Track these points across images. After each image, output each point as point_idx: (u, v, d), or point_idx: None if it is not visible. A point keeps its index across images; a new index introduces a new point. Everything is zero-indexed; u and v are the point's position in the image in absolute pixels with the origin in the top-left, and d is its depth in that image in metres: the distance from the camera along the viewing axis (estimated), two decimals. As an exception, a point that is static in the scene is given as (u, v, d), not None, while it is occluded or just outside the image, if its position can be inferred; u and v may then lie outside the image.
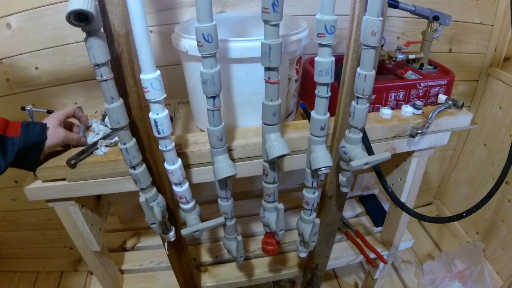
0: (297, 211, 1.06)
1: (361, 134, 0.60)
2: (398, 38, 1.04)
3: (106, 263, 0.81)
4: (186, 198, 0.63)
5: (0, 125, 0.52)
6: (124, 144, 0.53)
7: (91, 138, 0.66)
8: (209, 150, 0.59)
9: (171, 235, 0.69)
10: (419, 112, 0.71)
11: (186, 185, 0.62)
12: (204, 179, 0.67)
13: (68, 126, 0.65)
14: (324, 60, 0.50)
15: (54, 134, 0.58)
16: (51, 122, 0.59)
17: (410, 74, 0.80)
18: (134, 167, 0.56)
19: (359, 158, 0.57)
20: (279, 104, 0.54)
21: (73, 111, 0.64)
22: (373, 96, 0.72)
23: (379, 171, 0.73)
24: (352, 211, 1.12)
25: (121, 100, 0.49)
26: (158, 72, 0.48)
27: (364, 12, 0.48)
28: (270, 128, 0.57)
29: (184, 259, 0.80)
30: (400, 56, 0.80)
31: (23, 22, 0.82)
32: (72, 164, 0.59)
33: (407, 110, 0.71)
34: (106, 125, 0.69)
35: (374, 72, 0.53)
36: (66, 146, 0.63)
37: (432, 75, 0.78)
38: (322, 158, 0.58)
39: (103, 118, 0.72)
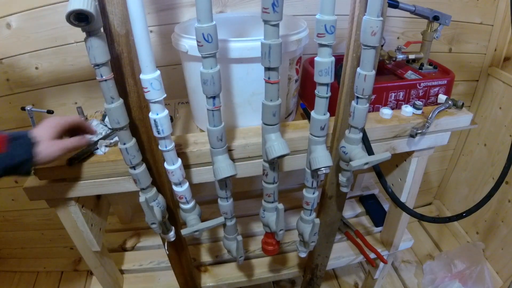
0: (297, 211, 1.06)
1: (361, 134, 0.60)
2: (398, 38, 1.04)
3: (106, 263, 0.81)
4: (186, 198, 0.63)
5: None
6: (124, 144, 0.53)
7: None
8: (209, 150, 0.59)
9: (171, 235, 0.69)
10: (419, 112, 0.71)
11: (186, 185, 0.62)
12: (204, 179, 0.67)
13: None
14: (324, 60, 0.50)
15: (47, 150, 0.50)
16: (46, 133, 0.51)
17: (410, 74, 0.80)
18: (134, 167, 0.56)
19: (359, 158, 0.57)
20: (279, 104, 0.54)
21: (78, 122, 0.56)
22: (373, 96, 0.72)
23: (379, 171, 0.73)
24: (352, 211, 1.12)
25: (121, 100, 0.49)
26: (158, 72, 0.48)
27: (364, 12, 0.48)
28: (270, 128, 0.57)
29: (184, 259, 0.80)
30: (400, 56, 0.80)
31: (23, 22, 0.82)
32: (72, 164, 0.59)
33: (407, 110, 0.71)
34: (106, 125, 0.69)
35: (374, 72, 0.53)
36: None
37: (432, 75, 0.78)
38: (322, 158, 0.58)
39: (103, 118, 0.72)
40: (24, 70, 0.89)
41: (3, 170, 0.47)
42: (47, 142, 0.50)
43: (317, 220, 0.67)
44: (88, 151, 0.61)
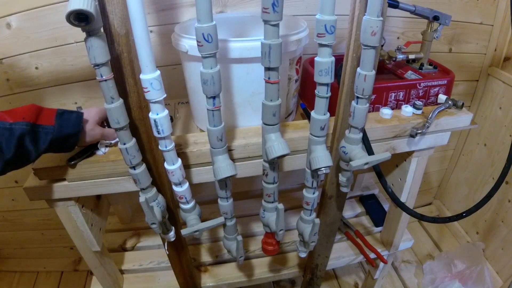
0: (297, 211, 1.06)
1: (361, 134, 0.60)
2: (398, 38, 1.04)
3: (106, 263, 0.81)
4: (186, 198, 0.63)
5: (31, 113, 0.48)
6: (124, 144, 0.53)
7: None
8: (209, 150, 0.59)
9: (171, 235, 0.69)
10: (419, 112, 0.71)
11: (186, 185, 0.62)
12: (204, 179, 0.67)
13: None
14: (324, 60, 0.50)
15: (92, 131, 0.55)
16: (92, 116, 0.56)
17: (410, 74, 0.80)
18: (134, 167, 0.56)
19: (359, 158, 0.57)
20: (279, 104, 0.54)
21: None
22: (373, 96, 0.72)
23: (379, 171, 0.73)
24: (352, 211, 1.12)
25: (121, 100, 0.49)
26: (158, 72, 0.48)
27: (364, 12, 0.48)
28: (270, 128, 0.57)
29: (184, 259, 0.80)
30: (400, 56, 0.80)
31: (23, 22, 0.82)
32: (72, 164, 0.59)
33: (407, 110, 0.71)
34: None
35: (374, 72, 0.52)
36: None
37: (432, 75, 0.78)
38: (322, 158, 0.58)
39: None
40: (24, 70, 0.89)
41: (50, 142, 0.50)
42: (92, 124, 0.56)
43: (317, 220, 0.67)
44: (88, 151, 0.61)
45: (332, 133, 0.66)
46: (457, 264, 1.22)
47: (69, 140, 0.53)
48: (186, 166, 0.64)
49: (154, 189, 0.61)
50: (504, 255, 1.20)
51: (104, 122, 0.62)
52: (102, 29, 0.44)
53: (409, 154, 0.76)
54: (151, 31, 0.87)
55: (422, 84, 0.74)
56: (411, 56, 0.82)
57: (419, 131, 0.67)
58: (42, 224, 1.28)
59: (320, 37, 0.49)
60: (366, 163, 0.55)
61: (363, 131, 0.62)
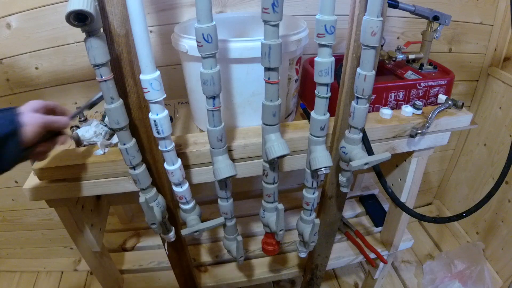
0: (297, 211, 1.06)
1: (361, 134, 0.60)
2: (398, 38, 1.04)
3: (106, 263, 0.81)
4: (186, 198, 0.63)
5: None
6: (124, 144, 0.53)
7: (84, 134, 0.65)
8: (209, 150, 0.59)
9: (171, 235, 0.69)
10: (419, 112, 0.71)
11: (186, 185, 0.62)
12: (204, 179, 0.67)
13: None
14: (324, 60, 0.50)
15: (31, 119, 0.46)
16: (27, 107, 0.48)
17: (410, 74, 0.80)
18: (134, 168, 0.56)
19: (359, 158, 0.57)
20: (279, 104, 0.54)
21: (54, 105, 0.52)
22: (373, 96, 0.72)
23: (379, 171, 0.73)
24: (352, 211, 1.12)
25: (121, 101, 0.49)
26: (158, 72, 0.48)
27: (364, 12, 0.48)
28: (270, 128, 0.57)
29: (184, 259, 0.80)
30: (400, 56, 0.80)
31: (23, 22, 0.82)
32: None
33: (407, 110, 0.71)
34: (106, 125, 0.69)
35: (374, 72, 0.53)
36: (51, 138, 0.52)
37: (432, 75, 0.78)
38: (322, 159, 0.58)
39: (103, 118, 0.72)
40: (24, 70, 0.89)
41: None
42: (30, 113, 0.47)
43: (317, 220, 0.67)
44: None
45: (332, 133, 0.66)
46: (457, 264, 1.22)
47: (9, 142, 0.44)
48: (186, 166, 0.64)
49: (154, 190, 0.61)
50: (504, 255, 1.20)
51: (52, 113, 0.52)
52: (102, 30, 0.44)
53: (409, 154, 0.76)
54: (151, 31, 0.87)
55: (422, 84, 0.74)
56: (411, 56, 0.81)
57: (419, 131, 0.67)
58: (42, 224, 1.28)
59: (320, 37, 0.49)
60: (366, 163, 0.56)
61: (363, 131, 0.62)
